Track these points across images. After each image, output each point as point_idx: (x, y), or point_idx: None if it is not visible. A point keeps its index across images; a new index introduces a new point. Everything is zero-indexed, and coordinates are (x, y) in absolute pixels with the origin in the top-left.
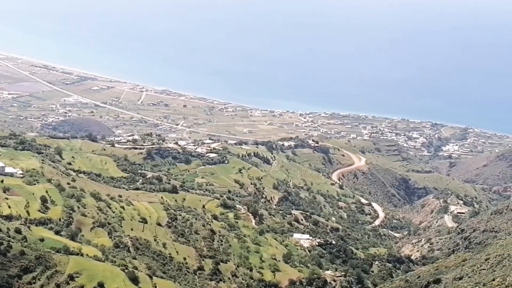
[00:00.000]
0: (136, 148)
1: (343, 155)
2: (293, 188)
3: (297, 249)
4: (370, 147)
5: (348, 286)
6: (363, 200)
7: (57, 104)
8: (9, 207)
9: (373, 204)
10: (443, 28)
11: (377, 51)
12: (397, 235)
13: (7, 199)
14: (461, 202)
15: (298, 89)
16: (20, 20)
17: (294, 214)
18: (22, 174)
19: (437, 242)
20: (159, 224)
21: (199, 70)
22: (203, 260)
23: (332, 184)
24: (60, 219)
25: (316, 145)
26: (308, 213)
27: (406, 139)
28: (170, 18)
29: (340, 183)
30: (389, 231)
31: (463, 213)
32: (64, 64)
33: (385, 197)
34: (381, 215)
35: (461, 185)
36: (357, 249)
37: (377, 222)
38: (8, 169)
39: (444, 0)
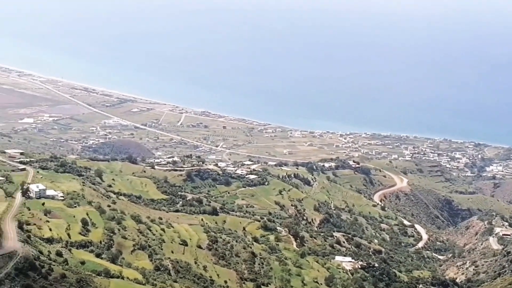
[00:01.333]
0: (176, 170)
1: (384, 176)
2: (334, 209)
3: (339, 272)
4: (412, 167)
5: None
6: (405, 222)
7: (97, 126)
8: (50, 230)
9: (416, 226)
10: (486, 48)
11: (419, 71)
12: (441, 257)
13: (48, 221)
14: (507, 223)
15: (338, 109)
16: (59, 43)
17: (335, 236)
18: (63, 196)
19: (483, 265)
20: (199, 247)
21: (238, 91)
22: (244, 283)
23: (374, 205)
24: (100, 242)
25: (357, 166)
26: (350, 235)
27: (449, 159)
28: (207, 40)
29: (382, 205)
30: (433, 254)
31: (509, 235)
32: (104, 87)
33: (428, 219)
34: (425, 237)
35: (506, 206)
36: (401, 272)
37: (420, 244)
38: (49, 192)
39: (485, 19)
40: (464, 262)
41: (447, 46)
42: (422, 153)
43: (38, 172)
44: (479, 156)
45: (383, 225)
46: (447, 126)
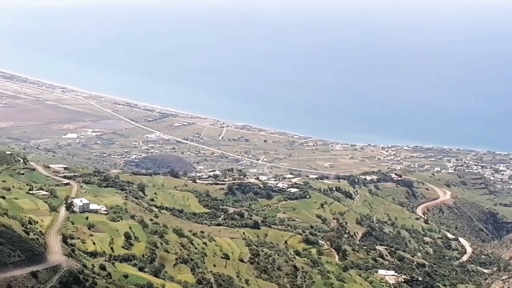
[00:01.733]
0: (217, 184)
1: (427, 189)
2: (377, 223)
3: (383, 285)
4: (455, 180)
5: None
6: (449, 235)
7: (140, 141)
8: (94, 243)
9: (460, 239)
10: None
11: (462, 83)
12: (486, 271)
13: (92, 235)
14: None
15: (380, 122)
16: (102, 59)
17: (378, 249)
18: (106, 210)
19: None
20: (241, 260)
21: (279, 105)
22: None
23: (417, 218)
24: (143, 255)
25: (399, 178)
26: (392, 249)
27: (493, 172)
28: (248, 54)
29: (425, 218)
30: (478, 267)
31: None
32: (146, 102)
33: (472, 232)
34: (469, 250)
35: None
36: (445, 285)
37: (464, 258)
38: (93, 206)
39: None
40: (510, 275)
41: (491, 57)
42: (465, 165)
43: (81, 186)
44: None
45: (426, 238)
46: (490, 138)
